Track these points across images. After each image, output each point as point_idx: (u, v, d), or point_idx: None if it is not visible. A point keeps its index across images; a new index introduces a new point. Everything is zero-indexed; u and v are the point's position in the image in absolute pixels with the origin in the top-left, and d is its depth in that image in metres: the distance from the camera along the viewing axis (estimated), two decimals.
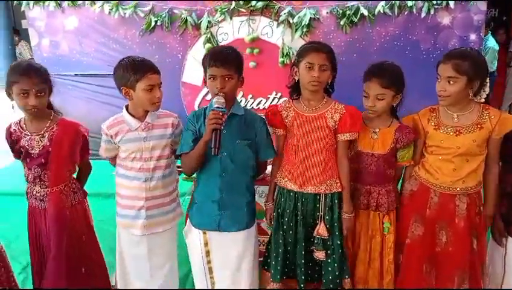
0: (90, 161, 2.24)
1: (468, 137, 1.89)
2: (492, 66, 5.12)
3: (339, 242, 1.98)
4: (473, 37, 3.62)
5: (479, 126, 1.89)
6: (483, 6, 3.53)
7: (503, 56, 5.65)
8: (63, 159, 2.02)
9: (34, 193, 2.02)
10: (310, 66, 1.88)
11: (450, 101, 1.89)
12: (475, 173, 1.94)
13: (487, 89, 1.88)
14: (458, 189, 1.94)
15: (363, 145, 2.02)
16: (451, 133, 1.93)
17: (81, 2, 3.85)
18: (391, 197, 2.04)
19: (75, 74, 4.08)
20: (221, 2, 3.70)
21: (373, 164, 2.02)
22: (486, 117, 1.88)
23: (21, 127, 1.99)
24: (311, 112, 1.96)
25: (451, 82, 1.83)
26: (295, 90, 2.02)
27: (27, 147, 1.96)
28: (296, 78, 1.97)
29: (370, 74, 1.96)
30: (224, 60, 1.82)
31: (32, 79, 1.86)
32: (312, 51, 1.90)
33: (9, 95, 1.91)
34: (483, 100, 1.89)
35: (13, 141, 2.00)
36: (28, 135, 1.97)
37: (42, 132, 1.97)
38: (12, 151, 2.04)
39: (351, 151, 2.06)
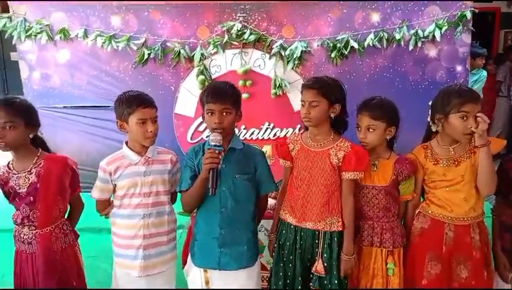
0: (81, 197, 2.17)
1: (468, 163, 1.94)
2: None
3: (336, 282, 1.92)
4: (459, 68, 3.73)
5: (472, 151, 1.94)
6: (467, 38, 3.66)
7: (493, 85, 5.82)
8: (52, 195, 1.95)
9: (22, 235, 1.95)
10: (302, 104, 1.93)
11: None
12: (480, 201, 1.97)
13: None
14: (471, 218, 1.95)
15: (364, 178, 2.01)
16: (451, 165, 1.96)
17: (73, 35, 3.86)
18: (396, 233, 2.00)
19: (64, 106, 4.04)
20: (213, 35, 3.75)
21: (374, 197, 2.00)
22: (474, 142, 1.93)
23: (8, 168, 1.95)
24: (316, 147, 1.96)
25: (370, 130, 1.96)
26: None
27: (15, 187, 1.91)
28: None
29: (361, 106, 2.02)
30: (222, 95, 1.84)
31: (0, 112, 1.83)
32: (303, 88, 1.95)
33: None
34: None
35: (2, 183, 1.95)
36: (16, 174, 1.92)
37: (29, 169, 1.92)
38: (4, 194, 1.99)
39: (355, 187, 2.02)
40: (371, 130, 1.97)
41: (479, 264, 1.95)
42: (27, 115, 1.92)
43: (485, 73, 5.23)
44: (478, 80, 5.11)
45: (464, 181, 1.93)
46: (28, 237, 1.94)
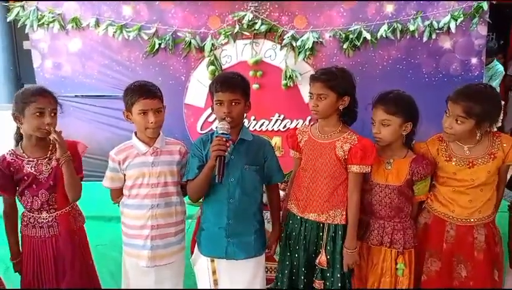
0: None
1: (483, 169, 1.85)
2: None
3: (338, 275, 1.91)
4: (474, 61, 3.66)
5: (492, 156, 1.85)
6: (483, 31, 3.58)
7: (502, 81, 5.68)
8: None
9: (40, 221, 1.96)
10: (310, 96, 1.90)
11: (454, 139, 1.87)
12: (490, 201, 1.89)
13: (499, 123, 1.86)
14: (475, 220, 1.88)
15: (377, 177, 1.95)
16: (463, 165, 1.87)
17: (85, 24, 3.87)
18: (408, 234, 1.93)
19: (75, 95, 4.08)
20: (224, 25, 3.73)
21: (387, 196, 1.93)
22: (498, 145, 1.85)
23: (19, 156, 1.92)
24: (322, 139, 1.94)
25: (458, 122, 1.80)
26: None
27: (34, 173, 1.91)
28: None
29: (377, 100, 1.93)
30: (231, 85, 1.83)
31: (47, 98, 1.88)
32: (311, 80, 1.91)
33: (17, 118, 1.89)
34: (495, 129, 1.88)
35: (13, 171, 1.91)
36: (33, 161, 1.92)
37: (48, 155, 1.94)
38: (8, 183, 1.92)
39: (367, 184, 1.97)
40: (385, 125, 1.88)
41: (481, 265, 1.88)
42: (58, 104, 1.98)
43: (500, 68, 5.08)
44: (494, 76, 4.97)
45: (473, 185, 1.86)
46: (48, 221, 1.97)
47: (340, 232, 1.91)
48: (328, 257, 1.91)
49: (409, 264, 1.94)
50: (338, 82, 1.86)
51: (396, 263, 1.92)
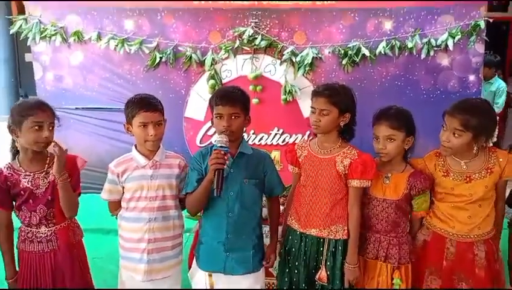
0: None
1: (480, 183, 1.85)
2: (500, 107, 5.03)
3: None
4: (471, 78, 3.69)
5: (488, 171, 1.86)
6: (481, 48, 3.63)
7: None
8: None
9: (38, 235, 1.93)
10: (312, 110, 1.91)
11: (451, 153, 1.88)
12: (489, 217, 1.90)
13: (495, 139, 1.88)
14: (475, 236, 1.88)
15: (374, 191, 1.96)
16: (461, 180, 1.88)
17: (87, 38, 3.91)
18: (404, 249, 1.93)
19: (76, 108, 4.09)
20: (225, 40, 3.77)
21: (384, 211, 1.94)
22: (495, 160, 1.87)
23: (16, 170, 1.90)
24: (322, 154, 1.95)
25: (456, 135, 1.81)
26: None
27: (31, 188, 1.88)
28: None
29: (378, 116, 1.96)
30: (231, 99, 1.85)
31: (46, 112, 1.86)
32: (314, 95, 1.93)
33: (13, 131, 1.85)
34: (491, 144, 1.89)
35: (9, 185, 1.88)
36: (30, 175, 1.89)
37: (45, 169, 1.92)
38: (5, 197, 1.90)
39: (365, 198, 1.98)
40: (390, 140, 1.90)
41: (482, 282, 1.87)
42: (56, 117, 1.95)
43: (503, 84, 5.06)
44: (498, 92, 4.93)
45: (472, 200, 1.87)
46: (47, 235, 1.94)
47: (340, 248, 1.91)
48: (328, 272, 1.90)
49: (406, 280, 1.93)
50: (341, 98, 1.89)
51: (392, 278, 1.91)
